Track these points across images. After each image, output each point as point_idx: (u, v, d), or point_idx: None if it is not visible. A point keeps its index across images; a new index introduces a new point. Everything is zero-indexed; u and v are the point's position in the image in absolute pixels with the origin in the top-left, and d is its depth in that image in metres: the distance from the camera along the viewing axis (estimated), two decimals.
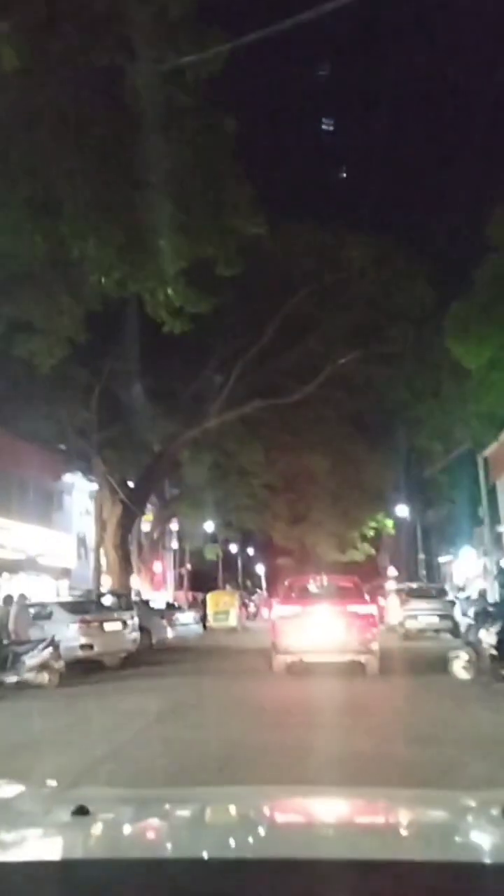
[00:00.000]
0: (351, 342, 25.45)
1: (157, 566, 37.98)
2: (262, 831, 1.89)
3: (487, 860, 1.60)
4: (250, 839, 1.79)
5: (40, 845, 1.74)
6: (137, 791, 3.03)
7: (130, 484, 27.18)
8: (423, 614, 20.71)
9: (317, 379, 26.06)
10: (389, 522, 37.83)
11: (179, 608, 26.13)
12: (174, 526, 37.23)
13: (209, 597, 29.90)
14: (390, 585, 47.38)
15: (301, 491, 34.34)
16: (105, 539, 25.78)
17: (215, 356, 26.54)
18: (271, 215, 15.76)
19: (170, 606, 25.41)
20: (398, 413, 28.54)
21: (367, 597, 15.29)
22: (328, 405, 29.45)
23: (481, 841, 1.78)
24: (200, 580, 41.66)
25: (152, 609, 19.78)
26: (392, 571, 46.09)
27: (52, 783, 2.87)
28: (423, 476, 34.98)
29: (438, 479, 34.24)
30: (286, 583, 16.63)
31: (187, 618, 19.90)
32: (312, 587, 15.80)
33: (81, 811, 1.73)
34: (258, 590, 48.83)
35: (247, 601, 38.66)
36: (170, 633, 18.80)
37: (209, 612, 28.05)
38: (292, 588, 15.71)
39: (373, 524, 37.27)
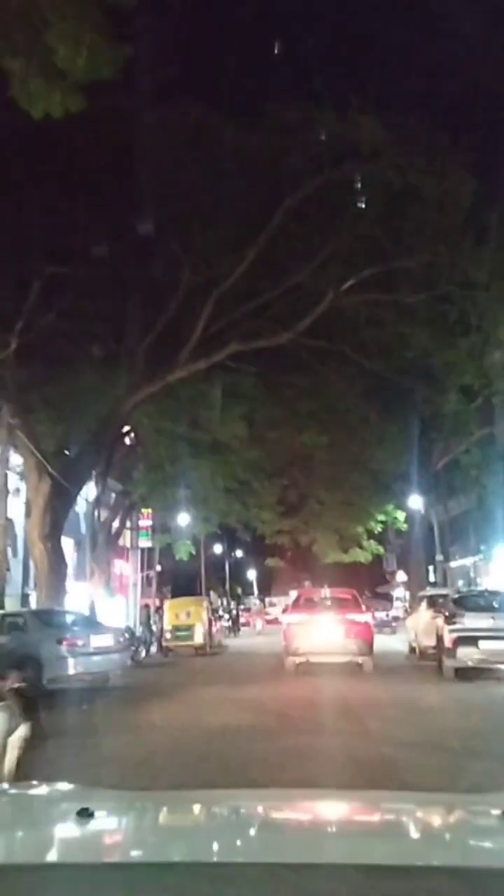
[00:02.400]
0: (359, 265, 18.89)
1: (125, 567, 31.32)
2: (264, 835, 1.88)
3: (489, 864, 1.58)
4: (253, 843, 1.79)
5: (43, 847, 1.70)
6: (141, 793, 3.14)
7: None
8: (491, 637, 12.48)
9: (311, 314, 19.49)
10: (401, 515, 31.07)
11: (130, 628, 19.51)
12: (146, 521, 30.49)
13: (167, 606, 23.08)
14: (399, 593, 40.99)
15: (294, 475, 27.74)
16: (30, 528, 19.18)
17: (181, 290, 20.01)
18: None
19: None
20: (419, 369, 21.87)
21: (363, 607, 16.92)
22: (327, 360, 22.88)
23: (483, 844, 1.76)
24: (180, 586, 34.84)
25: (48, 625, 12.82)
26: (401, 576, 39.48)
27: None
28: (446, 455, 28.27)
29: (463, 460, 27.53)
30: (295, 595, 19.05)
31: (103, 640, 12.81)
32: (317, 598, 17.68)
33: (85, 813, 1.71)
34: (252, 597, 42.02)
35: (223, 611, 31.97)
36: (71, 668, 11.80)
37: (166, 625, 21.31)
38: (300, 600, 17.96)
39: (381, 517, 30.54)
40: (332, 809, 2.19)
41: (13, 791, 2.23)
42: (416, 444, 26.94)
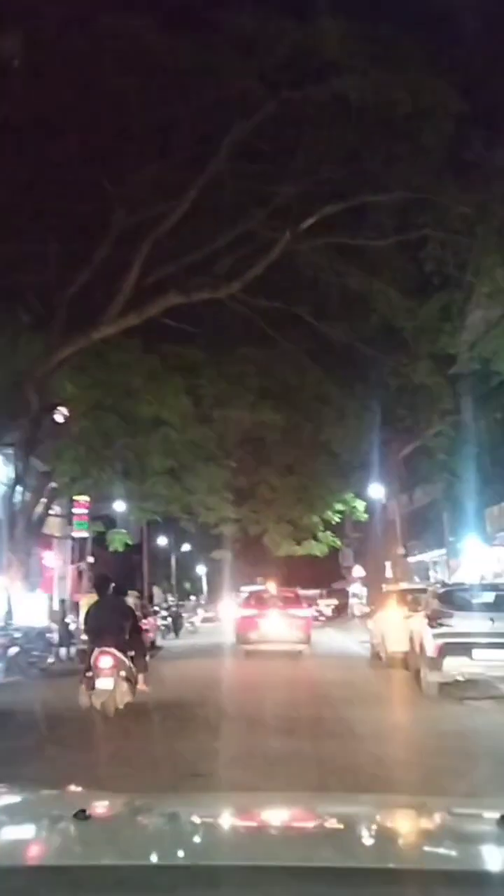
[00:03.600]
0: (320, 202, 16.07)
1: (50, 559, 27.99)
2: (261, 838, 1.88)
3: (488, 868, 1.57)
4: (250, 845, 1.78)
5: (39, 850, 1.73)
6: (138, 795, 2.88)
7: None
8: (489, 644, 9.63)
9: (264, 260, 16.62)
10: (360, 505, 28.38)
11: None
12: (81, 509, 27.20)
13: (82, 603, 19.89)
14: (356, 589, 38.40)
15: (244, 457, 24.79)
16: None
17: (112, 233, 16.97)
18: None
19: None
20: (386, 333, 19.15)
21: (304, 604, 20.45)
22: (282, 328, 20.09)
23: (482, 849, 1.75)
24: (119, 581, 31.55)
25: None
26: (358, 571, 36.95)
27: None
28: (414, 439, 25.68)
29: (431, 444, 24.97)
30: (246, 594, 22.77)
31: None
32: (265, 596, 20.63)
33: (82, 815, 1.70)
34: (192, 597, 39.26)
35: (163, 609, 28.95)
36: None
37: (82, 625, 17.88)
38: (252, 598, 21.02)
39: (339, 507, 27.78)
40: (329, 813, 2.15)
41: (9, 793, 2.13)
42: (379, 426, 24.32)
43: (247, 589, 25.35)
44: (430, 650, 10.07)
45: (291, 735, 7.19)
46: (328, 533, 29.07)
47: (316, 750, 6.64)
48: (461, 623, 9.98)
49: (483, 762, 6.40)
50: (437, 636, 10.01)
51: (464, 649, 9.70)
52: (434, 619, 10.24)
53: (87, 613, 10.62)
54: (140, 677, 9.09)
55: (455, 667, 9.78)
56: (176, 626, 24.42)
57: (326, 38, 14.70)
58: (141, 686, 9.05)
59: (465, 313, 16.38)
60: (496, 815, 1.74)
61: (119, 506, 26.67)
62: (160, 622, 25.95)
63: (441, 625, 10.05)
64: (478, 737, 7.66)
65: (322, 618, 29.39)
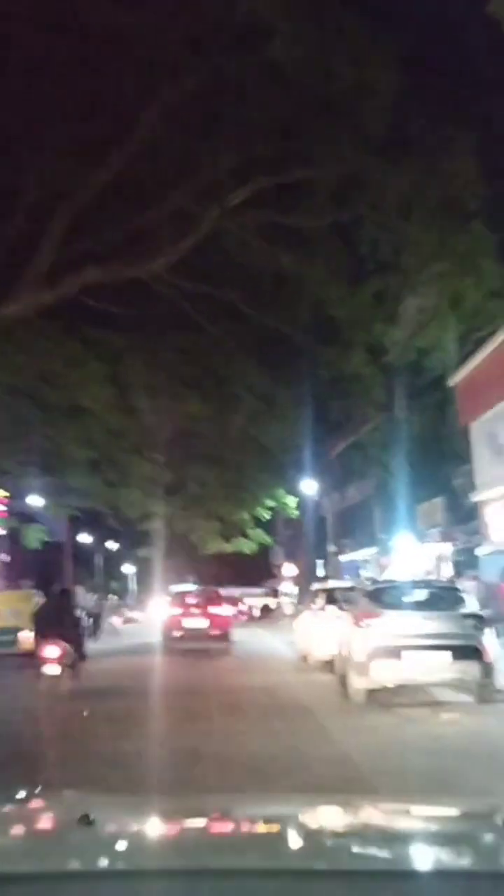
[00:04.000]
0: (252, 176, 15.11)
1: None
2: (265, 841, 1.88)
3: (490, 868, 1.55)
4: (254, 849, 1.78)
5: (44, 855, 1.67)
6: (142, 799, 3.11)
7: None
8: (422, 646, 8.83)
9: (192, 236, 15.56)
10: (292, 501, 27.62)
11: None
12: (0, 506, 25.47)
13: None
14: (287, 588, 37.66)
15: (171, 450, 23.71)
16: None
17: (22, 205, 15.62)
18: None
19: None
20: (318, 321, 18.38)
21: (226, 603, 21.67)
22: (211, 313, 19.11)
23: (484, 849, 1.73)
24: (39, 579, 29.84)
25: None
26: (290, 569, 36.24)
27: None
28: (348, 434, 25.05)
29: (365, 439, 24.41)
30: (174, 594, 21.95)
31: None
32: (191, 596, 20.78)
33: (86, 820, 1.69)
34: (112, 596, 37.81)
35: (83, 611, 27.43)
36: None
37: None
38: (178, 598, 21.05)
39: (270, 503, 26.95)
40: (331, 815, 2.16)
41: (10, 796, 2.10)
42: (313, 421, 23.59)
43: (177, 588, 24.34)
44: (357, 653, 9.19)
45: (188, 768, 6.09)
46: (259, 530, 28.22)
47: (219, 779, 5.64)
48: (391, 624, 9.12)
49: (414, 786, 5.49)
50: (364, 638, 9.13)
51: (393, 652, 8.86)
52: (361, 620, 9.35)
53: (38, 610, 12.26)
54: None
55: (384, 672, 8.92)
56: (95, 628, 23.07)
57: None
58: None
59: (401, 300, 15.68)
60: (496, 814, 1.80)
61: (36, 501, 25.15)
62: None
63: (369, 626, 9.18)
64: (409, 753, 6.79)
65: (243, 617, 28.65)
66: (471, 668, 8.88)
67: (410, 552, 21.69)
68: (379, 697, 9.34)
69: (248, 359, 21.23)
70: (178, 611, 19.70)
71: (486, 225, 14.57)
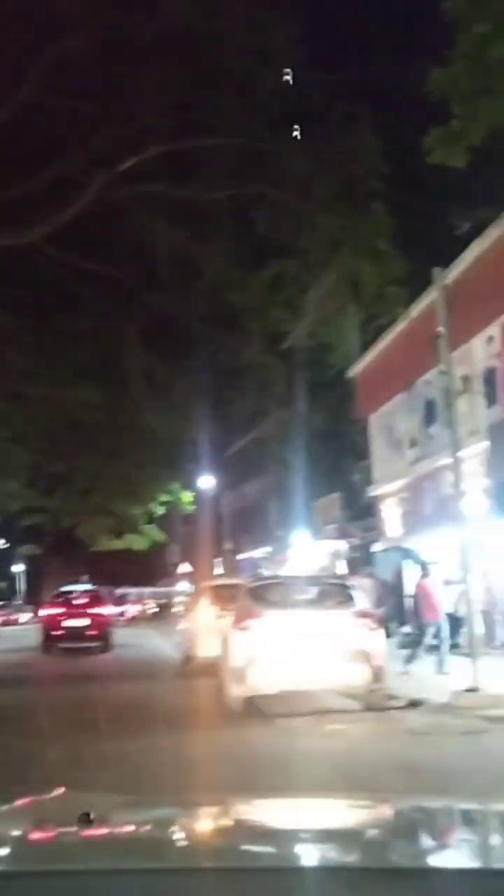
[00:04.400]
0: (144, 144, 14.02)
1: None
2: (265, 840, 1.83)
3: (493, 865, 1.57)
4: (254, 848, 1.76)
5: (44, 854, 1.68)
6: (142, 798, 3.06)
7: None
8: (302, 649, 7.87)
9: (75, 203, 14.35)
10: (188, 497, 26.62)
11: None
12: None
13: None
14: (183, 586, 36.54)
15: (58, 440, 22.22)
16: None
17: None
18: None
19: None
20: (215, 306, 17.48)
21: (110, 603, 21.99)
22: (102, 293, 17.95)
23: (487, 847, 1.74)
24: None
25: None
26: (186, 568, 35.14)
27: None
28: (247, 427, 24.25)
29: (263, 436, 23.69)
30: (57, 593, 20.96)
31: None
32: (71, 596, 20.26)
33: (86, 819, 1.67)
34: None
35: None
36: None
37: None
38: (56, 597, 20.55)
39: (165, 497, 25.85)
40: (333, 814, 2.14)
41: (9, 796, 2.05)
42: (210, 413, 22.66)
43: (64, 588, 22.96)
44: (235, 657, 8.28)
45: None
46: (153, 526, 27.04)
47: None
48: (272, 624, 8.26)
49: None
50: (242, 640, 8.23)
51: (273, 656, 8.00)
52: (241, 620, 8.46)
53: None
54: None
55: (263, 678, 8.03)
56: None
57: None
58: None
59: (300, 284, 14.96)
60: (497, 814, 1.90)
61: None
62: None
63: (248, 627, 8.28)
64: (279, 774, 5.89)
65: (122, 618, 27.42)
66: (359, 673, 8.11)
67: (306, 549, 21.09)
68: (260, 706, 8.46)
69: (142, 345, 20.12)
70: (60, 610, 19.40)
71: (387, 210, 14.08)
